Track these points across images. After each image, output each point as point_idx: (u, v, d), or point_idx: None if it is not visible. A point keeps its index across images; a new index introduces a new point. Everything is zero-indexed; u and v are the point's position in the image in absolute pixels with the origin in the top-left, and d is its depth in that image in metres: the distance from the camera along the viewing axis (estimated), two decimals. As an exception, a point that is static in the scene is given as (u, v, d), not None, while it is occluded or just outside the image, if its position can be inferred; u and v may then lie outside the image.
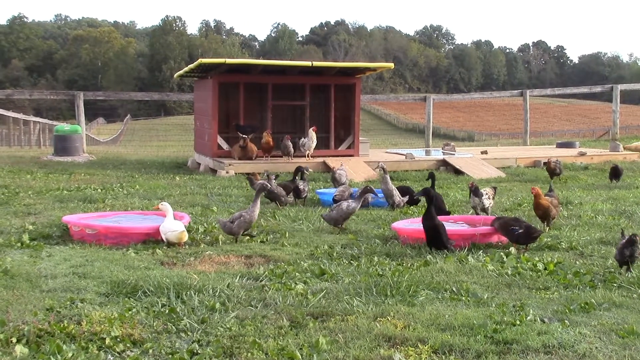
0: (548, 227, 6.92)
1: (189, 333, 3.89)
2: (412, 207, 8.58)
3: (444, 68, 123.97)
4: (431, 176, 8.36)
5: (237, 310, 4.26)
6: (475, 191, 7.53)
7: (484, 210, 7.53)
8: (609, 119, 23.87)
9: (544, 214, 6.80)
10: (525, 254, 5.83)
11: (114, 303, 4.41)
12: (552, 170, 10.61)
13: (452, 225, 6.98)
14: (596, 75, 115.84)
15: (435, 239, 5.97)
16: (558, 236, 6.65)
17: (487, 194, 7.58)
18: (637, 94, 59.24)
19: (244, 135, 12.57)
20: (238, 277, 5.05)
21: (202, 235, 6.66)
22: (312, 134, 12.74)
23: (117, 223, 6.86)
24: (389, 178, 8.46)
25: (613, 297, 4.57)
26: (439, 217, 6.17)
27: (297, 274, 5.19)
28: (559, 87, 54.73)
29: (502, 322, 4.02)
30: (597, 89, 24.62)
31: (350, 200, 7.16)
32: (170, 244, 6.17)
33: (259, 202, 6.53)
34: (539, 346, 3.68)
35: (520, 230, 6.01)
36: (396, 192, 8.41)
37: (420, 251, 6.00)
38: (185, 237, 6.23)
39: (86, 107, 17.29)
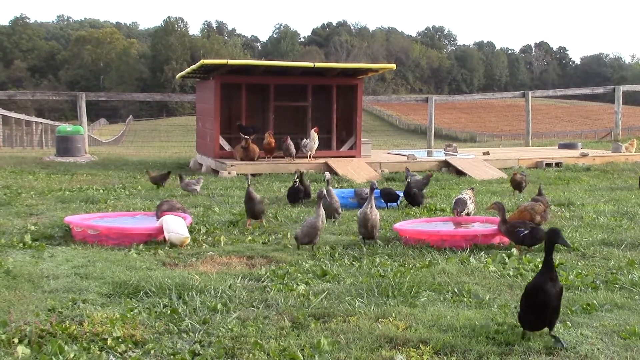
0: None
1: (190, 334, 3.89)
2: (414, 207, 8.58)
3: (446, 69, 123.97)
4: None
5: (238, 311, 4.26)
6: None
7: (469, 214, 7.50)
8: (611, 120, 23.85)
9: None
10: (527, 255, 5.83)
11: (115, 304, 4.41)
12: (518, 183, 10.23)
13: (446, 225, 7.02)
14: (598, 76, 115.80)
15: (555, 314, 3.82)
16: (560, 237, 6.64)
17: (470, 198, 7.51)
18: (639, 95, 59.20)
19: (246, 136, 12.59)
20: (240, 278, 5.04)
21: (204, 236, 6.67)
22: (314, 134, 12.74)
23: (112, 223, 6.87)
24: (332, 191, 7.85)
25: (615, 298, 4.56)
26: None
27: (298, 274, 5.18)
28: (561, 88, 54.76)
29: (504, 323, 4.02)
30: (599, 90, 24.60)
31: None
32: (172, 245, 6.18)
33: (322, 209, 6.19)
34: (540, 347, 3.68)
35: (526, 232, 6.01)
36: (339, 205, 7.74)
37: (422, 252, 6.00)
38: (187, 242, 6.24)
39: (88, 108, 17.35)
